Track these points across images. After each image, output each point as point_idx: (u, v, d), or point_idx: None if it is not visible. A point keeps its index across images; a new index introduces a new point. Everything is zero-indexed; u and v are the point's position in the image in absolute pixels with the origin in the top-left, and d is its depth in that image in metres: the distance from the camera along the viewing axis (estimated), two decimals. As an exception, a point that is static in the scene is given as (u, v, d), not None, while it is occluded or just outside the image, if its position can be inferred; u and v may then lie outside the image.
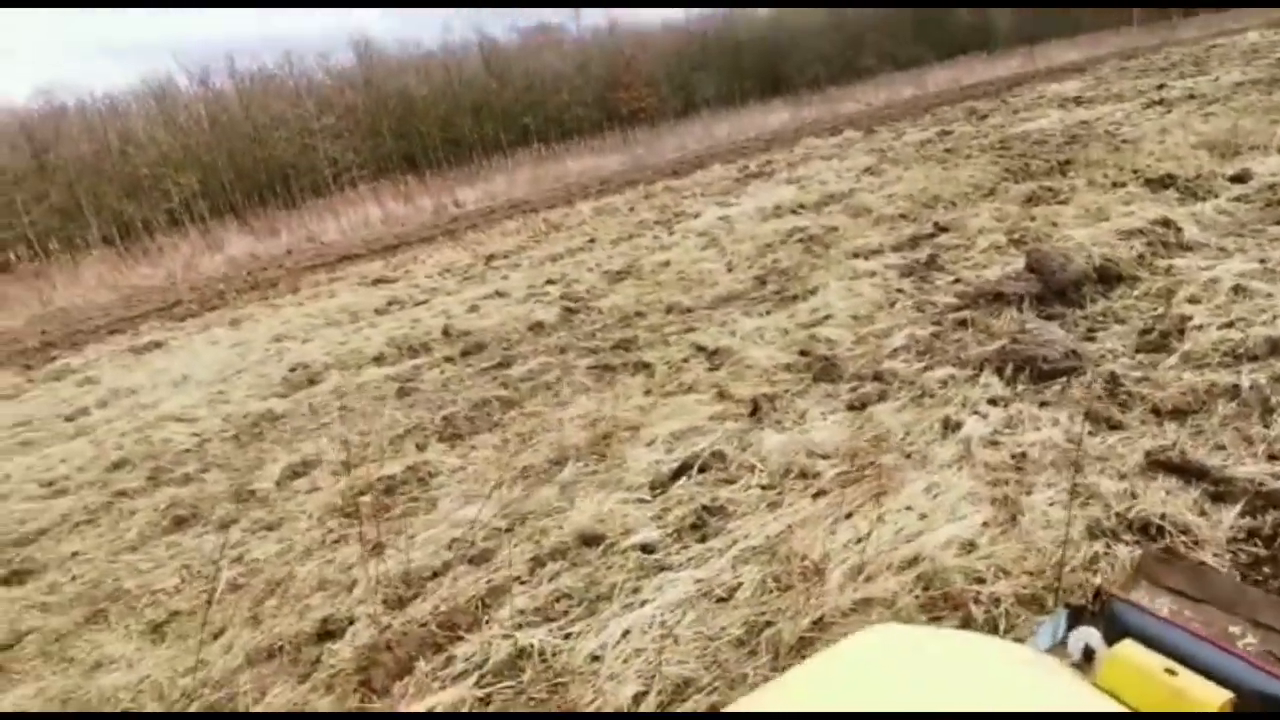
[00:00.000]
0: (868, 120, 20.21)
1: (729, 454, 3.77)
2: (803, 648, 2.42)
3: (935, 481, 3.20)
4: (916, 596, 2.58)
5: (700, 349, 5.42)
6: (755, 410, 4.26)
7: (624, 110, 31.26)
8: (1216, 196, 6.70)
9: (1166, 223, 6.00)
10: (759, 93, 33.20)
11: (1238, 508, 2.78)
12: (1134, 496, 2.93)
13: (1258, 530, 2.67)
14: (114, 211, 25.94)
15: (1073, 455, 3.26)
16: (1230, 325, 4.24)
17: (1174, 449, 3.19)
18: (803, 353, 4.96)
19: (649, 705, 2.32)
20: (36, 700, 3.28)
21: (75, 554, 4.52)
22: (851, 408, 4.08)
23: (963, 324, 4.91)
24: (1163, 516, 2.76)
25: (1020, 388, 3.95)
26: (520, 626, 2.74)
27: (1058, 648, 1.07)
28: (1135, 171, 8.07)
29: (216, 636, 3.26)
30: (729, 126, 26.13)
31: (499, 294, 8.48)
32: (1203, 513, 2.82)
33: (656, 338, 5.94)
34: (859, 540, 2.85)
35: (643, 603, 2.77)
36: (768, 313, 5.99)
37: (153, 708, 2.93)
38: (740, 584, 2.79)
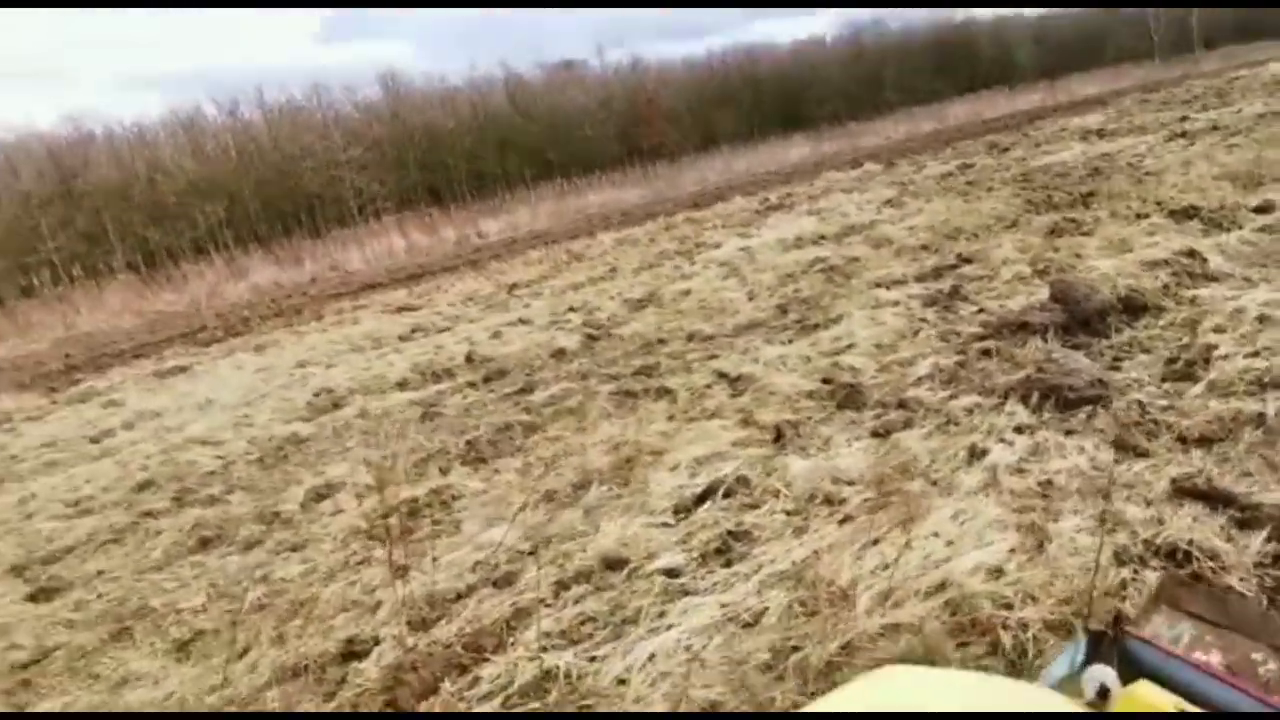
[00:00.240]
0: (888, 154, 20.32)
1: (753, 479, 3.77)
2: (830, 672, 2.40)
3: (962, 508, 3.18)
4: (944, 622, 2.56)
5: (723, 375, 5.44)
6: (779, 436, 4.25)
7: (645, 145, 31.63)
8: (1240, 227, 6.68)
9: (1191, 253, 5.98)
10: (778, 128, 33.50)
11: (1264, 533, 2.75)
12: (1161, 523, 2.91)
13: (1285, 556, 2.64)
14: (139, 238, 26.42)
15: (1099, 483, 3.24)
16: (1256, 354, 4.21)
17: (1200, 476, 3.17)
18: (826, 380, 4.97)
19: (675, 728, 2.30)
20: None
21: (101, 572, 4.56)
22: (876, 434, 4.07)
23: (987, 353, 4.90)
24: (1190, 542, 2.73)
25: (1046, 416, 3.93)
26: (546, 649, 2.74)
27: (1071, 682, 1.06)
28: (1159, 203, 8.06)
29: (242, 655, 3.28)
30: (748, 160, 26.36)
31: (521, 321, 8.56)
32: (1229, 539, 2.79)
33: (679, 364, 5.96)
34: (886, 566, 2.83)
35: (668, 627, 2.76)
36: (790, 341, 6.00)
37: (179, 725, 2.95)
38: (766, 609, 2.78)
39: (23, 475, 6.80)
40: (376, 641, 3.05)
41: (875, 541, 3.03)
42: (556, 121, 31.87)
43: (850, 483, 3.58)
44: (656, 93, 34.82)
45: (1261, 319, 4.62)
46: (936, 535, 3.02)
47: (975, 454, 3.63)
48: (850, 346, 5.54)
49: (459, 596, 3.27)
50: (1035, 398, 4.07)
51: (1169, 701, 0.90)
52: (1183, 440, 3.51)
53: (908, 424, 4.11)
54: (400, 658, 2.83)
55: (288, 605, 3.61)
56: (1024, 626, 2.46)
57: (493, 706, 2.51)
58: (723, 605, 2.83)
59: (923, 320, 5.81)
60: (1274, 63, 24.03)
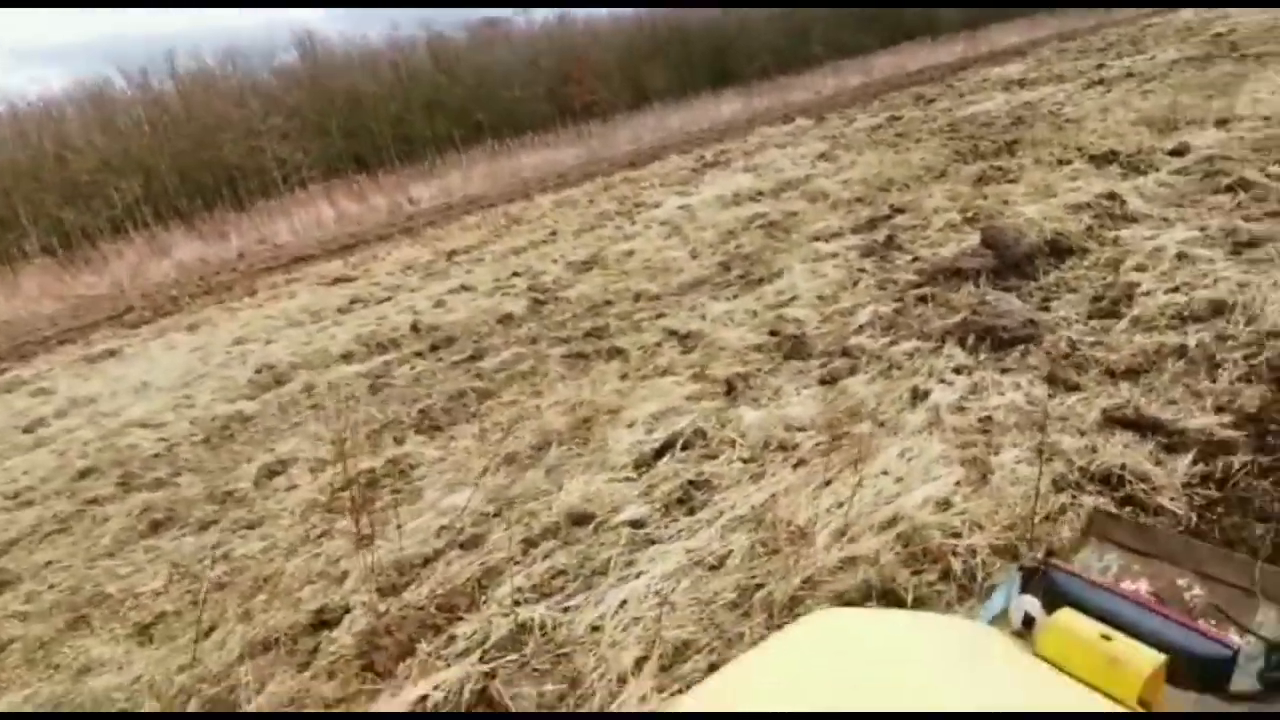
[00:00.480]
0: (818, 108, 20.48)
1: (709, 431, 3.87)
2: (794, 605, 2.53)
3: (908, 447, 3.34)
4: (898, 553, 2.71)
5: (672, 333, 5.52)
6: (730, 389, 4.36)
7: (576, 104, 31.16)
8: (1157, 170, 6.98)
9: (1112, 196, 6.25)
10: (709, 83, 33.30)
11: (1190, 456, 2.96)
12: (1094, 451, 3.10)
13: (1210, 475, 2.86)
14: (53, 220, 25.11)
15: (1035, 417, 3.43)
16: (1176, 290, 4.47)
17: (1129, 406, 3.37)
18: (772, 333, 5.09)
19: (651, 668, 2.40)
20: (26, 706, 3.25)
21: (50, 563, 4.45)
22: (823, 382, 4.21)
23: (924, 299, 5.08)
24: (1122, 467, 2.93)
25: (982, 356, 4.11)
26: (519, 603, 2.80)
27: (1004, 616, 1.10)
28: (1079, 149, 8.36)
29: (208, 633, 3.27)
30: (681, 118, 26.23)
31: (464, 288, 8.47)
32: (1158, 462, 2.99)
33: (627, 324, 6.02)
34: (840, 504, 2.97)
35: (637, 574, 2.85)
36: (735, 296, 6.10)
37: (150, 706, 2.94)
38: (730, 552, 2.89)
39: (-48, 470, 6.53)
40: (347, 610, 3.08)
41: (828, 482, 3.17)
42: (484, 81, 31.12)
43: (802, 429, 3.71)
44: (586, 50, 34.26)
45: (1180, 256, 4.88)
46: (886, 473, 3.17)
47: (918, 395, 3.79)
48: (793, 299, 5.67)
49: (427, 561, 3.31)
50: (971, 339, 4.25)
51: (1092, 629, 0.94)
52: (1111, 373, 3.72)
53: (853, 371, 4.26)
54: (373, 623, 2.87)
55: (250, 582, 3.59)
56: (972, 553, 2.62)
57: (470, 662, 2.57)
58: (688, 551, 2.94)
59: (861, 271, 5.97)
60: (1185, 9, 24.81)
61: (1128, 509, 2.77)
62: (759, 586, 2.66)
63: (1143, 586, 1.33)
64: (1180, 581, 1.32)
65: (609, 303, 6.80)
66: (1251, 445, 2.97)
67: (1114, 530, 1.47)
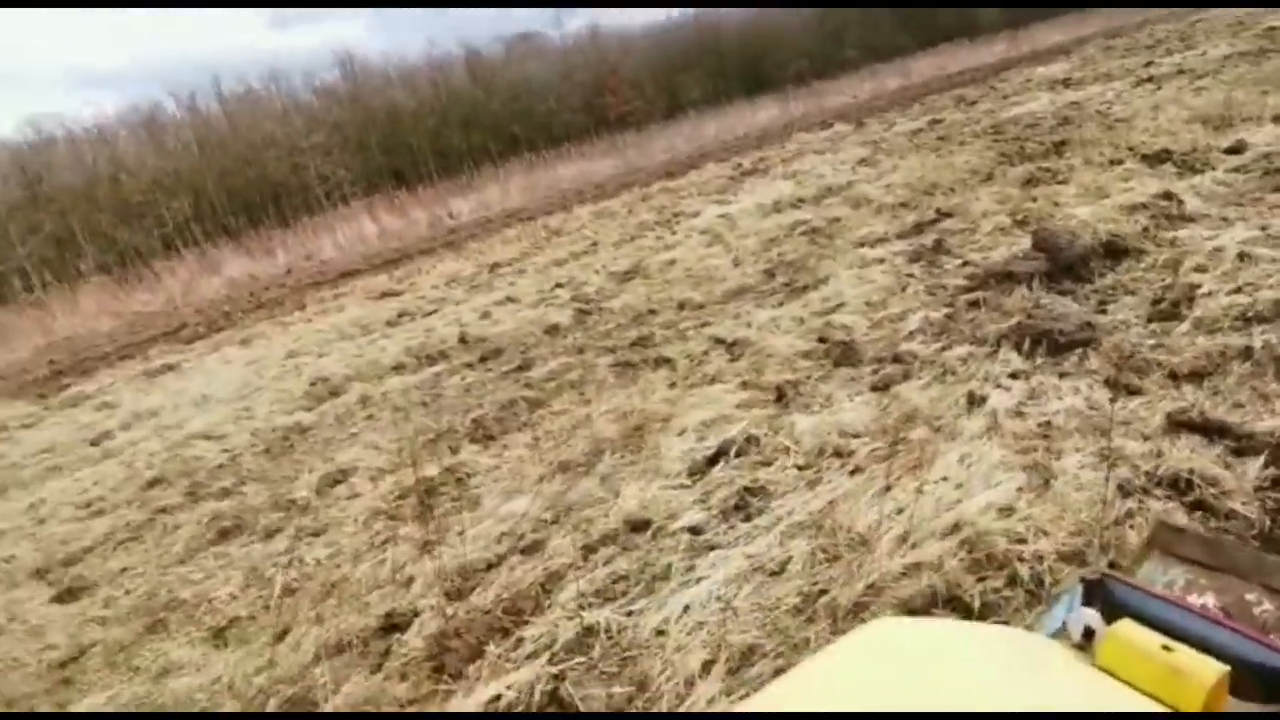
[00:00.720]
0: (856, 113, 20.39)
1: (761, 438, 3.89)
2: (859, 611, 2.55)
3: (967, 452, 3.32)
4: (961, 560, 2.71)
5: (719, 341, 5.55)
6: (781, 397, 4.38)
7: (611, 115, 31.42)
8: (1214, 169, 6.84)
9: (1168, 196, 6.14)
10: (744, 91, 33.36)
11: (1260, 460, 2.91)
12: (1160, 455, 3.06)
13: (1280, 479, 2.81)
14: (108, 239, 26.01)
15: (1096, 421, 3.39)
16: (1238, 290, 4.37)
17: (1193, 410, 3.32)
18: (821, 340, 5.09)
19: (717, 672, 2.43)
20: (109, 707, 3.38)
21: (125, 569, 4.62)
22: (875, 389, 4.21)
23: (975, 304, 5.04)
24: (1190, 472, 2.89)
25: (1039, 360, 4.08)
26: (583, 608, 2.86)
27: (1062, 629, 1.09)
28: (1131, 148, 8.21)
29: (281, 636, 3.37)
30: (717, 126, 26.30)
31: (509, 300, 8.60)
32: (1227, 466, 2.94)
33: (673, 333, 6.06)
34: (901, 510, 2.97)
35: (699, 579, 2.89)
36: (780, 304, 6.12)
37: (230, 706, 3.04)
38: (790, 558, 2.91)
39: (26, 481, 6.80)
40: (415, 614, 3.15)
41: (887, 489, 3.17)
42: (519, 95, 31.55)
43: (856, 435, 3.72)
44: (619, 61, 34.50)
45: (1241, 256, 4.78)
46: (945, 479, 3.16)
47: (974, 401, 3.77)
48: (840, 305, 5.67)
49: (490, 566, 3.38)
50: (1027, 343, 4.21)
51: (1152, 640, 0.93)
52: (1174, 376, 3.66)
53: (906, 376, 4.25)
54: (442, 626, 2.94)
55: (319, 587, 3.70)
56: (1039, 559, 2.61)
57: (538, 665, 2.63)
58: (748, 556, 2.96)
59: (909, 276, 5.94)
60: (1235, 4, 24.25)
61: (1198, 513, 2.74)
62: (822, 592, 2.68)
63: (1209, 600, 1.31)
64: (1249, 596, 1.30)
65: (653, 312, 6.85)
66: (1323, 447, 2.91)
67: (1178, 543, 1.44)
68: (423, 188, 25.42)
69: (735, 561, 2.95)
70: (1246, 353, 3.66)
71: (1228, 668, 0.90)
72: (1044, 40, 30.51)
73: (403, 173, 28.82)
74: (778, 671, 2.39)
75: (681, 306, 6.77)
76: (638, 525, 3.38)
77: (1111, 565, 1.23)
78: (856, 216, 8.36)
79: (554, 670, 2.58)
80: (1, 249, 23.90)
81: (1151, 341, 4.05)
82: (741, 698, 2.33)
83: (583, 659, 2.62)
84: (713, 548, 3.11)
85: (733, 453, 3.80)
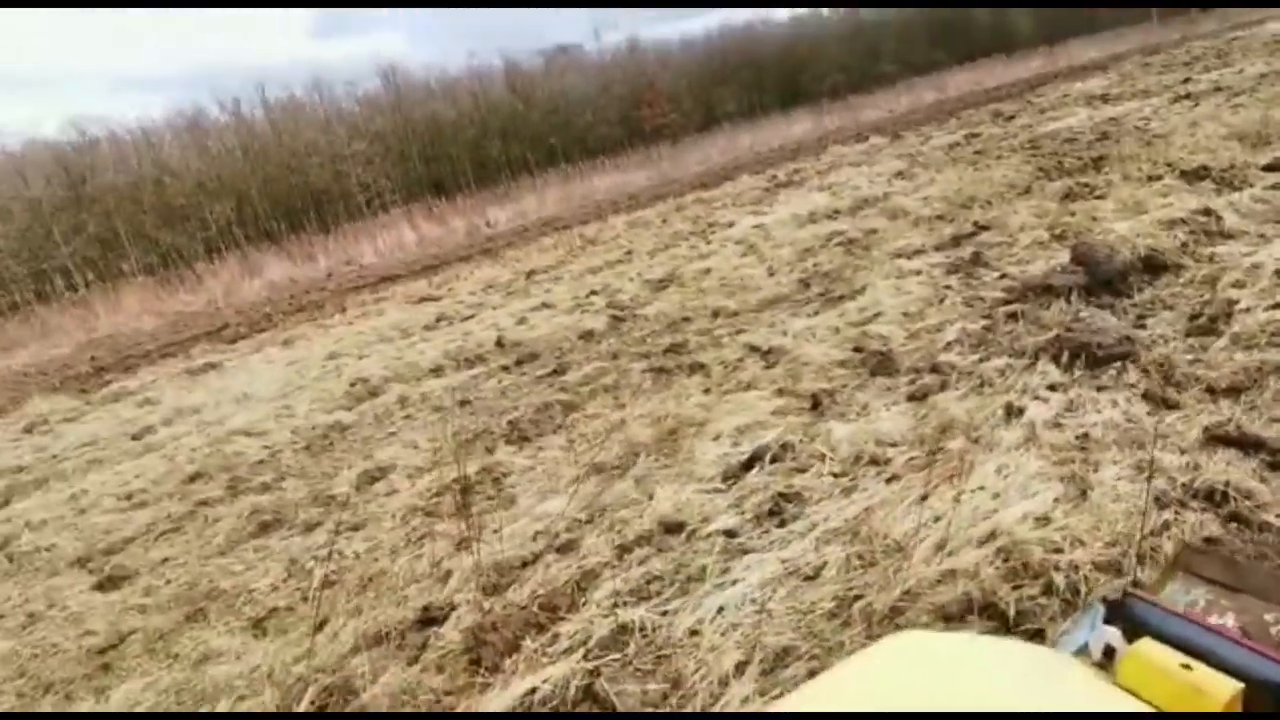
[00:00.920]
0: (892, 126, 20.32)
1: (796, 445, 3.91)
2: (894, 616, 2.56)
3: (1004, 463, 3.32)
4: (998, 568, 2.71)
5: (753, 349, 5.58)
6: (816, 404, 4.39)
7: (647, 127, 31.63)
8: (1252, 186, 6.77)
9: (1206, 212, 6.08)
10: (780, 104, 33.42)
11: (1298, 474, 2.89)
12: (1197, 468, 3.04)
13: (1318, 494, 2.79)
14: (151, 240, 26.65)
15: (1134, 434, 3.38)
16: (1276, 307, 4.32)
17: (1230, 424, 3.29)
18: (857, 349, 5.10)
19: (751, 673, 2.46)
20: (148, 694, 3.46)
21: (166, 559, 4.73)
22: (912, 398, 4.21)
23: (1013, 316, 5.02)
24: (1226, 484, 2.87)
25: (1077, 373, 4.06)
26: (618, 606, 2.89)
27: (1084, 648, 1.09)
28: (1169, 164, 8.14)
29: (319, 628, 3.44)
30: (752, 138, 26.36)
31: (545, 306, 8.70)
32: (1263, 479, 2.93)
33: (708, 340, 6.10)
34: (938, 519, 2.98)
35: (733, 582, 2.91)
36: (816, 313, 6.13)
37: (269, 694, 3.11)
38: (825, 563, 2.93)
39: (68, 474, 6.97)
40: (452, 608, 3.21)
41: (924, 497, 3.18)
42: (558, 107, 31.91)
43: (893, 444, 3.72)
44: (656, 74, 34.74)
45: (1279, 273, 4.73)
46: (982, 489, 3.16)
47: (1012, 412, 3.76)
48: (877, 315, 5.67)
49: (525, 564, 3.43)
50: (1065, 356, 4.19)
51: (1172, 658, 0.94)
52: (1211, 391, 3.64)
53: (943, 387, 4.25)
54: (479, 620, 2.99)
55: (357, 580, 3.77)
56: (1075, 568, 2.60)
57: (574, 660, 2.67)
58: (783, 561, 2.98)
59: (946, 288, 5.93)
60: (1271, 22, 23.90)
61: (1233, 525, 2.73)
62: (857, 598, 2.69)
63: (1229, 620, 1.31)
64: (1268, 616, 1.30)
65: (687, 319, 6.90)
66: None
67: (1202, 564, 1.45)
68: (461, 197, 25.78)
69: (770, 565, 2.98)
70: (1286, 369, 3.62)
71: (1242, 685, 0.91)
72: (1080, 56, 30.24)
73: (442, 182, 29.26)
74: (812, 673, 2.41)
75: (716, 315, 6.80)
76: (672, 527, 3.41)
77: (1134, 585, 1.24)
78: (893, 228, 8.35)
79: (589, 666, 2.62)
80: (45, 248, 24.58)
81: (1190, 356, 4.01)
82: (775, 698, 2.35)
83: (617, 656, 2.66)
84: (747, 551, 3.14)
85: (768, 458, 3.82)
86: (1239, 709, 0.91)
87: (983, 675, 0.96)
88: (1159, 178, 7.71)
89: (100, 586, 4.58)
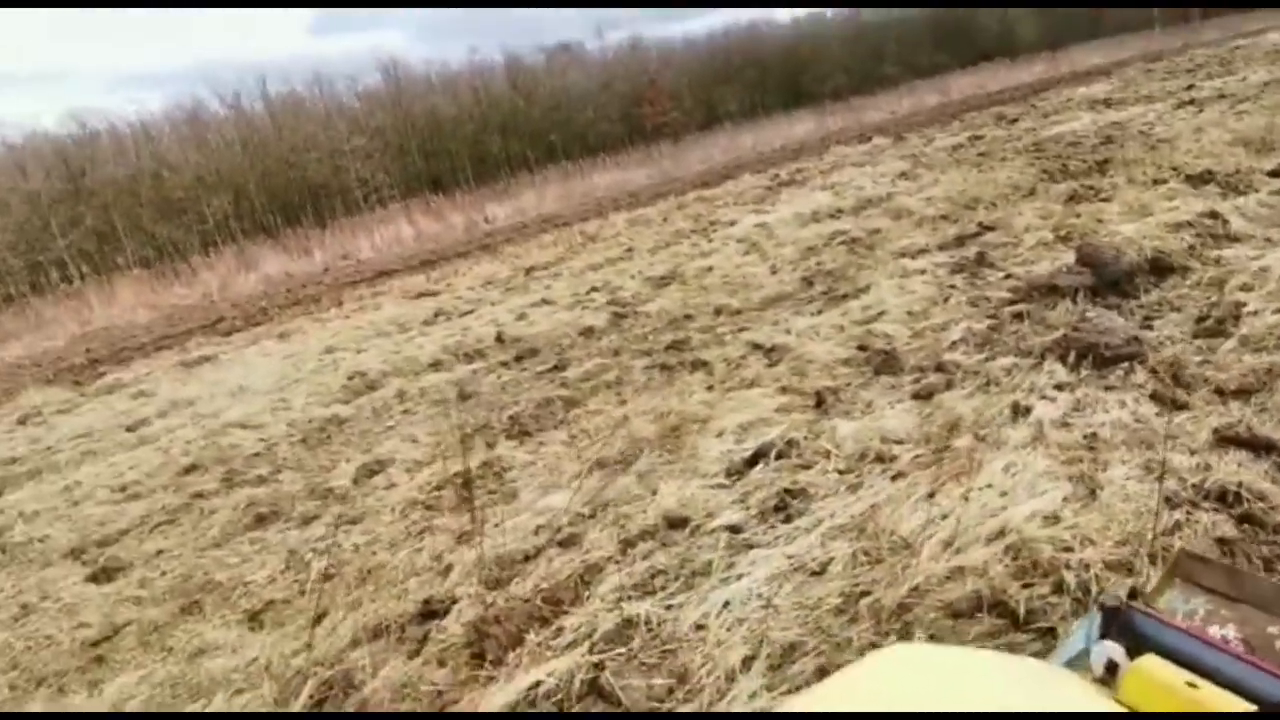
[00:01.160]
0: (895, 127, 20.31)
1: (801, 442, 3.87)
2: (903, 612, 2.52)
3: (1012, 461, 3.29)
4: (1006, 566, 2.67)
5: (756, 347, 5.54)
6: (820, 402, 4.36)
7: (648, 125, 31.60)
8: (1257, 190, 6.76)
9: (1213, 215, 6.06)
10: (781, 104, 33.41)
11: (1308, 475, 2.87)
12: (1207, 469, 3.01)
13: (1330, 496, 2.76)
14: (148, 234, 26.55)
15: (1142, 434, 3.36)
16: (1283, 310, 4.31)
17: (1240, 425, 3.27)
18: (861, 347, 5.07)
19: (758, 668, 2.42)
20: (143, 686, 3.40)
21: (160, 551, 4.67)
22: (917, 397, 4.17)
23: (1019, 316, 4.99)
24: (1238, 485, 2.84)
25: (1084, 373, 4.03)
26: (622, 600, 2.86)
27: (1083, 658, 1.07)
28: (1174, 169, 8.13)
29: (318, 621, 3.40)
30: (754, 138, 26.34)
31: (545, 302, 8.65)
32: (1274, 480, 2.90)
33: (710, 338, 6.06)
34: (945, 516, 2.95)
35: (739, 577, 2.88)
36: (819, 311, 6.10)
37: (267, 687, 3.07)
38: (831, 559, 2.89)
39: (61, 465, 6.90)
40: (454, 601, 3.17)
41: (931, 495, 3.14)
42: (559, 104, 31.87)
43: (899, 442, 3.69)
44: (658, 72, 34.71)
45: (1287, 276, 4.71)
46: (990, 487, 3.12)
47: (1019, 411, 3.73)
48: (881, 314, 5.64)
49: (528, 558, 3.39)
50: (1072, 356, 4.17)
51: (1177, 676, 0.91)
52: (1220, 392, 3.61)
53: (948, 385, 4.22)
54: (482, 613, 2.95)
55: (356, 573, 3.73)
56: (1085, 567, 2.57)
57: (578, 654, 2.63)
58: (788, 556, 2.95)
59: (951, 287, 5.90)
60: (1273, 31, 23.96)
61: (1246, 526, 2.70)
62: (865, 594, 2.66)
63: (1230, 632, 1.28)
64: (1270, 629, 1.27)
65: (689, 317, 6.86)
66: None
67: (1201, 573, 1.41)
68: (460, 193, 25.71)
69: (775, 561, 2.94)
70: (1294, 371, 3.60)
71: (1254, 707, 0.88)
72: (1083, 62, 30.29)
73: (441, 178, 29.19)
74: (819, 669, 2.37)
75: (718, 312, 6.77)
76: (676, 522, 3.37)
77: (1132, 594, 1.22)
78: (897, 228, 8.32)
79: (594, 660, 2.58)
80: (42, 240, 24.48)
81: (1198, 358, 3.99)
82: (783, 694, 2.31)
83: (623, 650, 2.62)
84: (752, 546, 3.10)
85: (772, 455, 3.78)
86: None
87: (981, 690, 0.92)
88: (1164, 181, 7.70)
89: (94, 578, 4.52)
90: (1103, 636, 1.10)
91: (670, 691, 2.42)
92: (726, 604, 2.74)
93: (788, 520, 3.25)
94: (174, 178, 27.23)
